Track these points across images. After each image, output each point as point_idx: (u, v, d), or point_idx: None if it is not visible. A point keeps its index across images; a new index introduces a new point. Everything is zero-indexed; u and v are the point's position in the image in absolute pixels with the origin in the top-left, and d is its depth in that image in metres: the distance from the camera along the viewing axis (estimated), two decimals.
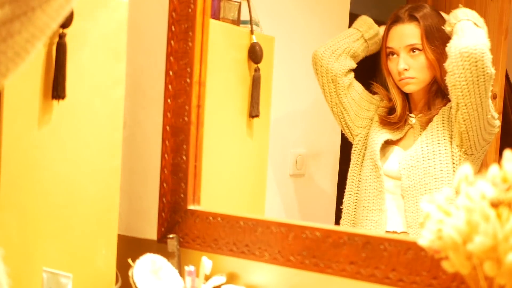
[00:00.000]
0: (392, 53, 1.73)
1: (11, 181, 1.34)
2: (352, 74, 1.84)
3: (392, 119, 1.79)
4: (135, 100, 1.76)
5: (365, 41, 1.82)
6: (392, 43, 1.73)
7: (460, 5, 1.70)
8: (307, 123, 2.10)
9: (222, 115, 1.76)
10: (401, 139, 1.77)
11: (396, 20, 1.73)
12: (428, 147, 1.69)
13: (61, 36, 1.37)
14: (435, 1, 1.90)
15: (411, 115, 1.77)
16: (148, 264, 1.50)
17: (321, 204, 2.10)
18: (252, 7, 1.77)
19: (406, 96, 1.79)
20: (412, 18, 1.71)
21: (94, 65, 1.48)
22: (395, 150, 1.77)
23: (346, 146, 1.96)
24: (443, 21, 1.72)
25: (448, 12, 1.76)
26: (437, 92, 1.74)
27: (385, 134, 1.77)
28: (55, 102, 1.39)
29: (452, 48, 1.60)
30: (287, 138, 2.04)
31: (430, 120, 1.73)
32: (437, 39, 1.70)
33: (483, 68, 1.57)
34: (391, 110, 1.81)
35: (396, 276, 1.32)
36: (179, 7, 1.62)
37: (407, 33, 1.71)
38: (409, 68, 1.70)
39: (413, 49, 1.70)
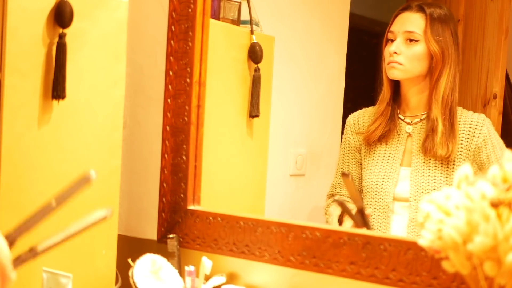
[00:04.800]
0: (392, 40, 1.74)
1: (11, 181, 1.33)
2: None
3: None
4: (135, 100, 1.76)
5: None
6: (394, 26, 1.75)
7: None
8: (307, 123, 2.10)
9: (222, 115, 1.76)
10: (402, 154, 1.74)
11: (406, 8, 1.76)
12: (432, 161, 1.67)
13: (61, 36, 1.37)
14: (435, 1, 1.89)
15: (406, 120, 1.75)
16: (148, 264, 1.50)
17: (321, 204, 2.09)
18: (252, 7, 1.77)
19: (398, 96, 1.78)
20: (421, 9, 1.73)
21: (94, 65, 1.48)
22: (401, 171, 1.73)
23: None
24: (452, 25, 1.73)
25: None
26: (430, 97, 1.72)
27: (387, 166, 1.74)
28: (55, 102, 1.39)
29: None
30: (287, 138, 2.04)
31: (427, 128, 1.71)
32: (440, 34, 1.70)
33: None
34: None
35: (396, 276, 1.32)
36: (179, 7, 1.62)
37: (410, 20, 1.73)
38: (399, 53, 1.70)
39: (410, 39, 1.71)
